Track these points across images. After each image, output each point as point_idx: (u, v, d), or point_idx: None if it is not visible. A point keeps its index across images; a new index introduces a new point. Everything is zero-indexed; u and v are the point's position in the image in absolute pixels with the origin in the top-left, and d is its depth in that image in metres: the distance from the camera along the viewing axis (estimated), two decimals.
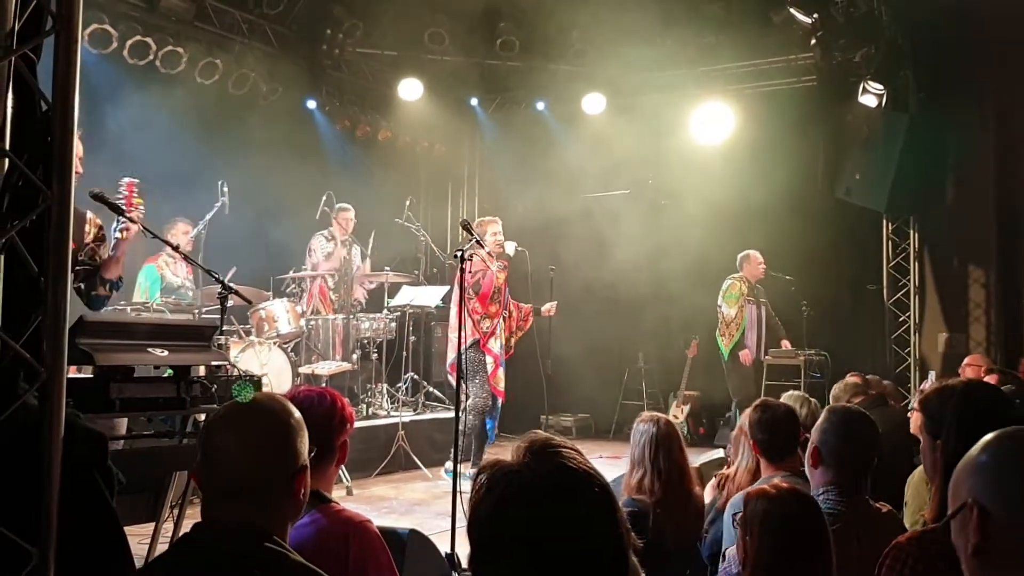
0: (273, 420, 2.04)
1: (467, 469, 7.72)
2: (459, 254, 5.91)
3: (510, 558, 1.39)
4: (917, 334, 10.46)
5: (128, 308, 7.71)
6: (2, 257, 2.07)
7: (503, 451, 1.86)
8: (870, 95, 9.67)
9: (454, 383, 7.90)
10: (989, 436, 1.63)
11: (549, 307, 8.52)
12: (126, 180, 4.70)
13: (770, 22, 10.40)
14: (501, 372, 8.09)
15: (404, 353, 9.99)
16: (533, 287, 8.58)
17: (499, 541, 1.41)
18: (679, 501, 3.86)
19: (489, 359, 8.07)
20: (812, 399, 4.59)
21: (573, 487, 1.42)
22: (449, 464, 7.74)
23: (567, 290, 10.78)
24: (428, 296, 9.92)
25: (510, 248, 8.27)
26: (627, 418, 11.68)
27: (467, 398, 7.87)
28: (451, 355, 8.03)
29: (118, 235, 4.67)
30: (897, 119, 9.64)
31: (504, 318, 8.20)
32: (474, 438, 7.93)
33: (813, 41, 9.98)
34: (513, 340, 8.44)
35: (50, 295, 2.00)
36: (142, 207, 4.73)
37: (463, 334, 6.58)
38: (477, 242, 6.46)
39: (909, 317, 10.52)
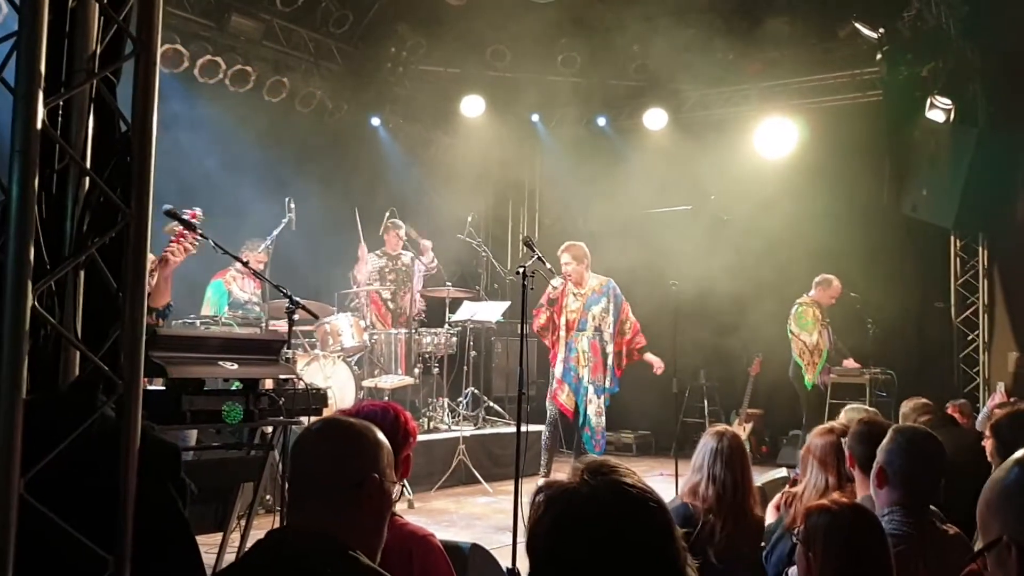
0: (347, 431, 2.10)
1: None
2: (521, 271, 5.93)
3: (569, 574, 1.41)
4: (986, 353, 10.22)
5: (197, 322, 7.86)
6: (83, 273, 2.15)
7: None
8: (938, 110, 9.47)
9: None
10: (1019, 454, 1.52)
11: (653, 361, 8.42)
12: (195, 210, 4.69)
13: (835, 36, 10.29)
14: (562, 393, 8.14)
15: (465, 368, 10.05)
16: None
17: (558, 559, 1.43)
18: (732, 515, 3.81)
19: (554, 375, 8.25)
20: (869, 408, 4.54)
21: (630, 506, 1.43)
22: None
23: (628, 305, 10.74)
24: (489, 311, 9.96)
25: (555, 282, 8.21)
26: (688, 436, 11.57)
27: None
28: None
29: (168, 256, 4.68)
30: (966, 134, 9.45)
31: (570, 348, 8.23)
32: (542, 449, 8.29)
33: (879, 55, 9.83)
34: (622, 362, 8.40)
35: (128, 310, 2.07)
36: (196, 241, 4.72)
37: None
38: (539, 259, 6.47)
39: (978, 336, 10.29)
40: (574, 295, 8.19)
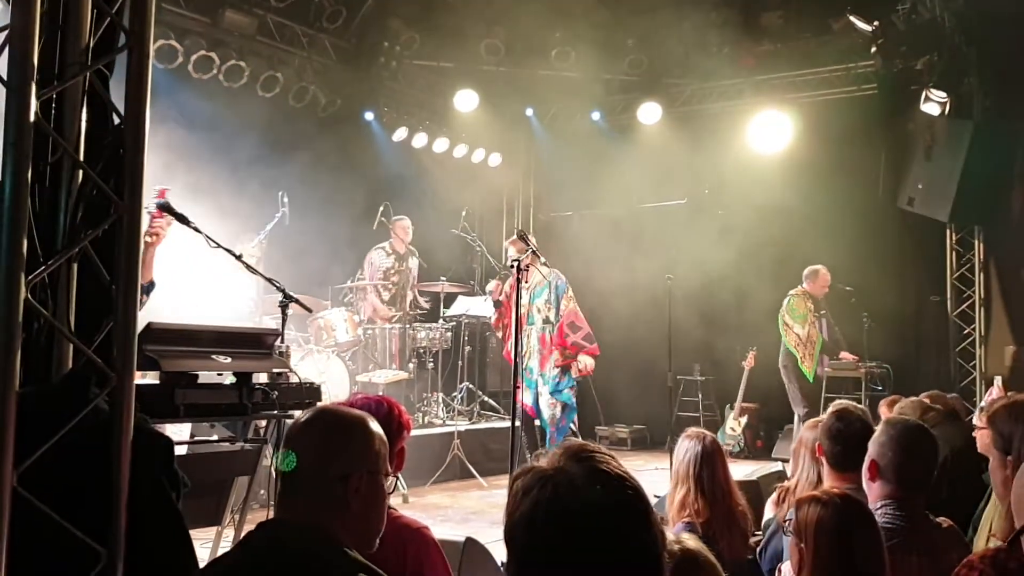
0: (335, 423, 2.09)
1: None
2: (515, 264, 5.94)
3: (546, 560, 1.41)
4: (983, 347, 10.24)
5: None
6: (76, 265, 2.15)
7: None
8: (933, 103, 9.48)
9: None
10: None
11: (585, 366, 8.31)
12: (158, 188, 4.59)
13: (829, 30, 10.30)
14: (521, 393, 8.14)
15: (460, 362, 10.06)
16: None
17: (535, 543, 1.42)
18: (725, 520, 3.78)
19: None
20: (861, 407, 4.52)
21: (607, 490, 1.43)
22: None
23: (623, 300, 10.75)
24: (483, 306, 9.95)
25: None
26: (682, 430, 11.61)
27: None
28: None
29: (147, 240, 4.65)
30: (961, 127, 9.46)
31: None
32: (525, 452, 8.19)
33: (873, 49, 9.83)
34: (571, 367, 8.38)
35: (121, 302, 2.06)
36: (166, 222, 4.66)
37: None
38: (533, 252, 6.49)
39: (974, 329, 10.31)
40: (524, 290, 8.19)
